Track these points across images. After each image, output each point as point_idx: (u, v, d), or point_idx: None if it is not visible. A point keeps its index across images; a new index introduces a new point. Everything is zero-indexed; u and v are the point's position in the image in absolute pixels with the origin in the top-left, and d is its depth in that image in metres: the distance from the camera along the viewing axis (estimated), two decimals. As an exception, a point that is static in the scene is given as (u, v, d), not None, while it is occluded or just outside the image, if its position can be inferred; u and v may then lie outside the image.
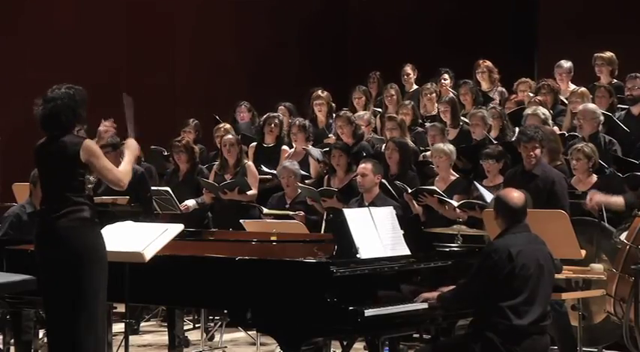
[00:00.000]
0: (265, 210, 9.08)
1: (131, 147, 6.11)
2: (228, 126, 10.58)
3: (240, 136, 10.23)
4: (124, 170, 5.89)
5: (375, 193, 8.32)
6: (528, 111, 9.23)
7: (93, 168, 5.73)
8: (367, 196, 8.31)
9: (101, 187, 8.33)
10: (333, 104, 11.16)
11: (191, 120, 10.96)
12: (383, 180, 8.59)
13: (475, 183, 8.33)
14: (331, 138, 10.46)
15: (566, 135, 9.16)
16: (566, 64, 10.63)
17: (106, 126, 9.60)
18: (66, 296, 5.64)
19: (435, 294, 5.82)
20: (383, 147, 9.52)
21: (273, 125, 10.21)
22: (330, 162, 9.38)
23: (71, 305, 5.63)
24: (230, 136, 9.77)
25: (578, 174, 8.19)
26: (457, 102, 10.31)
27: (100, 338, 5.80)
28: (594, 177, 8.18)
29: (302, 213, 8.96)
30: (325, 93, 11.09)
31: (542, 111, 9.11)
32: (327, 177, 9.42)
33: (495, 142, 9.02)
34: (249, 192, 9.42)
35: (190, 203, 9.67)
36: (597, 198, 7.59)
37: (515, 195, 5.87)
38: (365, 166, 8.35)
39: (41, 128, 5.79)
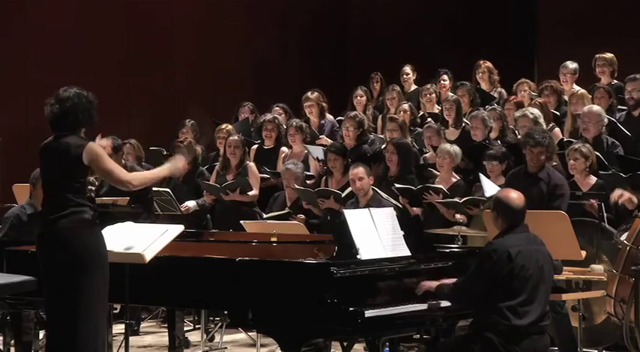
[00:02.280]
0: (266, 216, 9.06)
1: (172, 168, 6.11)
2: (230, 127, 10.57)
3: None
4: (139, 176, 5.93)
5: (370, 195, 8.29)
6: (518, 113, 9.25)
7: (96, 171, 5.73)
8: (362, 199, 8.28)
9: (103, 188, 8.34)
10: (325, 104, 11.15)
11: (187, 120, 10.96)
12: (374, 188, 8.57)
13: (480, 175, 8.32)
14: (323, 139, 10.46)
15: (565, 140, 9.11)
16: (572, 65, 10.56)
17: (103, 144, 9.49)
18: (66, 297, 5.63)
19: (434, 284, 5.83)
20: (383, 147, 9.50)
21: (270, 128, 10.22)
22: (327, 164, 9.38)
23: (71, 305, 5.63)
24: (235, 137, 9.74)
25: (576, 174, 8.17)
26: (460, 103, 10.30)
27: (100, 339, 5.80)
28: (593, 178, 8.16)
29: (302, 217, 8.95)
30: (315, 94, 11.06)
31: (532, 111, 9.10)
32: (323, 178, 9.42)
33: (499, 143, 9.01)
34: (250, 193, 9.42)
35: (191, 204, 9.66)
36: (627, 195, 7.46)
37: (515, 196, 5.86)
38: (358, 171, 8.27)
39: (50, 127, 5.79)
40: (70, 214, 5.66)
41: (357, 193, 8.30)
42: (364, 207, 7.47)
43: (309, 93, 11.07)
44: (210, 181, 9.72)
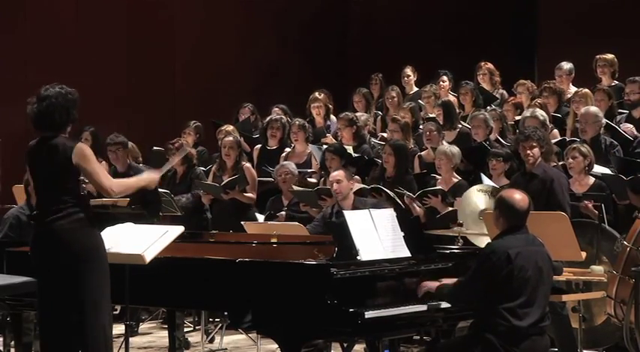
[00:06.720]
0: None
1: (148, 180, 6.10)
2: (231, 127, 10.57)
3: (242, 137, 10.25)
4: (121, 183, 5.86)
5: (351, 199, 8.06)
6: (527, 113, 9.25)
7: (83, 172, 5.67)
8: (343, 203, 7.98)
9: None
10: (331, 106, 11.16)
11: (192, 122, 10.96)
12: (382, 188, 8.55)
13: (482, 174, 8.31)
14: (328, 138, 10.47)
15: (567, 140, 9.11)
16: (567, 65, 10.62)
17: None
18: (65, 298, 5.61)
19: (435, 285, 5.83)
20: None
21: (276, 127, 10.23)
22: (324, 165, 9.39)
23: (70, 307, 5.61)
24: (230, 138, 9.71)
25: (574, 174, 8.15)
26: (452, 105, 10.29)
27: (106, 340, 5.78)
28: (591, 179, 8.14)
29: (283, 214, 8.98)
30: (322, 95, 11.11)
31: (541, 112, 9.11)
32: (322, 179, 9.41)
33: (497, 145, 9.00)
34: (247, 195, 9.41)
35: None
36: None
37: (519, 198, 5.82)
38: (338, 173, 8.08)
39: (34, 127, 5.76)
40: (66, 216, 5.63)
41: (336, 197, 8.06)
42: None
43: (316, 94, 11.12)
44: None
